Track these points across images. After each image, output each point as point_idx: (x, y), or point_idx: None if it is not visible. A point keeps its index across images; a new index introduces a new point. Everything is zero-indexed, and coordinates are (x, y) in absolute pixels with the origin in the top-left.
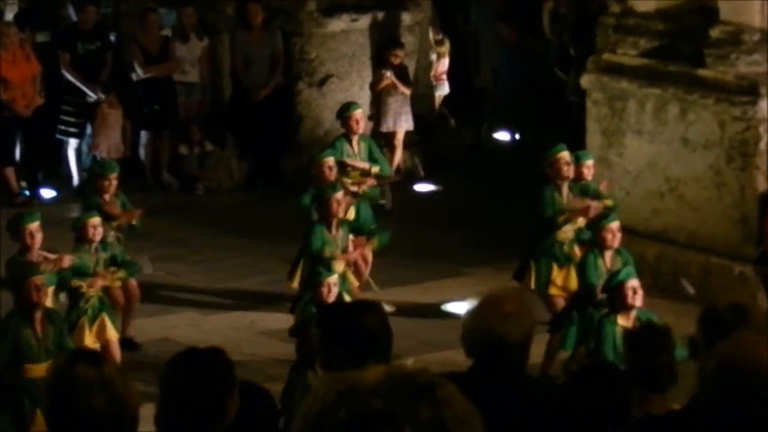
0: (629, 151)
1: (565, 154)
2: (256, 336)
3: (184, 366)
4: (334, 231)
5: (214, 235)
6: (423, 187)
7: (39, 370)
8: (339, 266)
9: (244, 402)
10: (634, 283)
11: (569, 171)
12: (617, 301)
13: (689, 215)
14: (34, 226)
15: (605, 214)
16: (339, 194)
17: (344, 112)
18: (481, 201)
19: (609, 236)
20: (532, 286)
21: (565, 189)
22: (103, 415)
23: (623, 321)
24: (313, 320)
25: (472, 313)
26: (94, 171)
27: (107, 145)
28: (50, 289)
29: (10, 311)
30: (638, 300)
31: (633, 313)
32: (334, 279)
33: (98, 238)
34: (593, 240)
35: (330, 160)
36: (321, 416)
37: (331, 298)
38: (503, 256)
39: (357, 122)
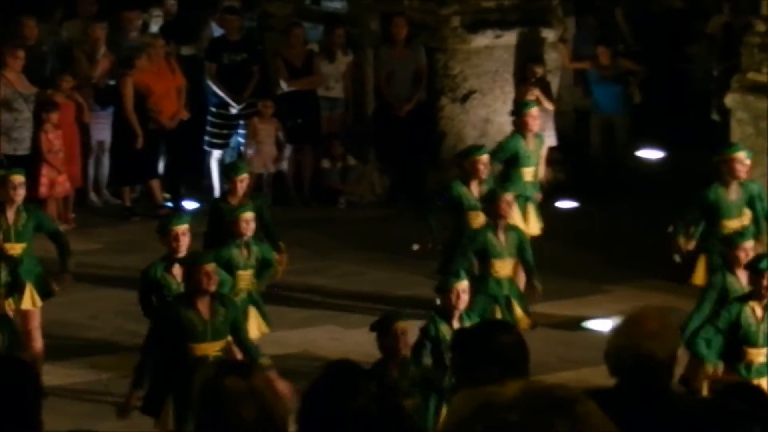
0: None
1: (742, 155)
2: None
3: None
4: (500, 235)
5: (355, 249)
6: (565, 204)
7: (205, 348)
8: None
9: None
10: None
11: (742, 171)
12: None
13: None
14: (182, 228)
15: (741, 233)
16: (509, 195)
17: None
18: (624, 218)
19: (742, 255)
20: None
21: (734, 187)
22: (253, 426)
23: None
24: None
25: (617, 332)
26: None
27: (262, 160)
28: None
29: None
30: None
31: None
32: (463, 285)
33: (250, 233)
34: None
35: (485, 157)
36: (458, 430)
37: (461, 305)
38: (644, 274)
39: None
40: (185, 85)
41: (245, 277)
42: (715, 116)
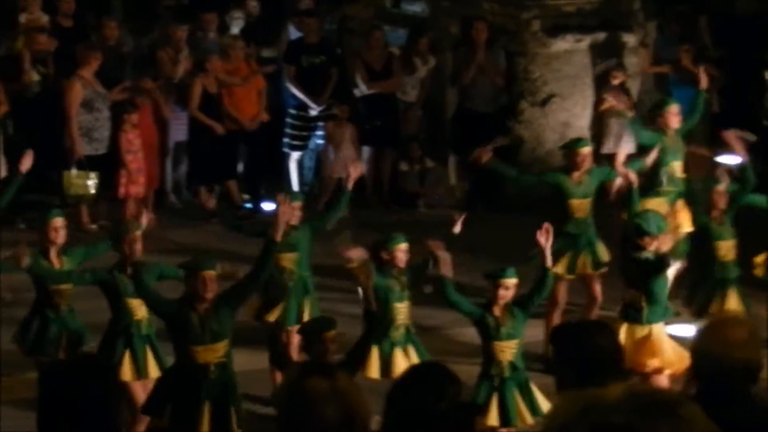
0: None
1: None
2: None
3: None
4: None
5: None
6: None
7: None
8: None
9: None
10: None
11: None
12: None
13: None
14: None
15: None
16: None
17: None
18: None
19: None
20: None
21: None
22: (336, 427)
23: None
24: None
25: (701, 338)
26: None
27: (342, 164)
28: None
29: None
30: None
31: None
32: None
33: (404, 264)
34: None
35: (586, 150)
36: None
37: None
38: None
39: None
40: (265, 86)
41: (402, 310)
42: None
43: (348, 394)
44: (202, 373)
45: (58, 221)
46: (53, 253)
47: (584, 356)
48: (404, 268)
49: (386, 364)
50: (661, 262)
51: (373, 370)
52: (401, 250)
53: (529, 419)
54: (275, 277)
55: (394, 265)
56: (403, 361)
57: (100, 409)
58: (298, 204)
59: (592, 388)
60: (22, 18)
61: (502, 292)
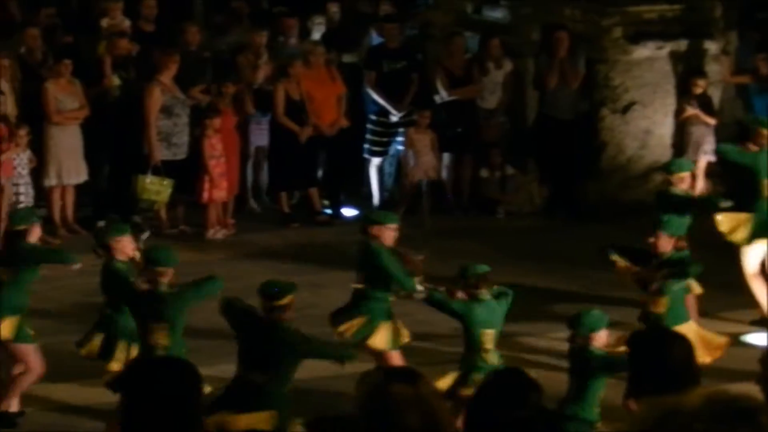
0: None
1: None
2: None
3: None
4: None
5: (512, 259)
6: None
7: None
8: None
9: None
10: None
11: None
12: None
13: None
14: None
15: None
16: None
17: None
18: None
19: None
20: None
21: None
22: None
23: None
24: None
25: None
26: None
27: (422, 170)
28: None
29: None
30: None
31: None
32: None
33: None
34: None
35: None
36: None
37: None
38: None
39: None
40: (345, 92)
41: (491, 336)
42: None
43: (430, 401)
44: None
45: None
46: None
47: (661, 364)
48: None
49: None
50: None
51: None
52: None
53: None
54: None
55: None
56: None
57: (181, 407)
58: (394, 226)
59: (670, 395)
60: (104, 23)
61: None
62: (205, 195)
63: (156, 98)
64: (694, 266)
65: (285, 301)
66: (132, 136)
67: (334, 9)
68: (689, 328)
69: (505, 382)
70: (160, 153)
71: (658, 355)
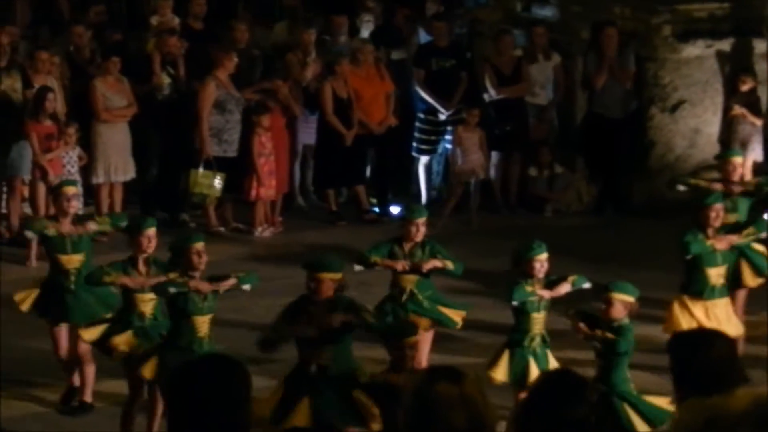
0: None
1: None
2: None
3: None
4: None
5: (560, 258)
6: None
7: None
8: None
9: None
10: None
11: None
12: None
13: None
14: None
15: None
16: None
17: None
18: None
19: None
20: None
21: None
22: None
23: None
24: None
25: None
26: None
27: (470, 168)
28: None
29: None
30: None
31: None
32: None
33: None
34: None
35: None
36: None
37: None
38: None
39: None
40: (394, 90)
41: (539, 320)
42: None
43: (475, 400)
44: None
45: (151, 231)
46: (141, 263)
47: (704, 364)
48: (542, 278)
49: (516, 370)
50: None
51: (501, 372)
52: (539, 261)
53: None
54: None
55: (532, 275)
56: (535, 370)
57: (229, 405)
58: (422, 220)
59: (715, 397)
60: (153, 20)
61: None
62: (253, 193)
63: (210, 93)
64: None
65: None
66: (181, 133)
67: (381, 7)
68: None
69: (561, 381)
70: (212, 148)
71: (700, 356)
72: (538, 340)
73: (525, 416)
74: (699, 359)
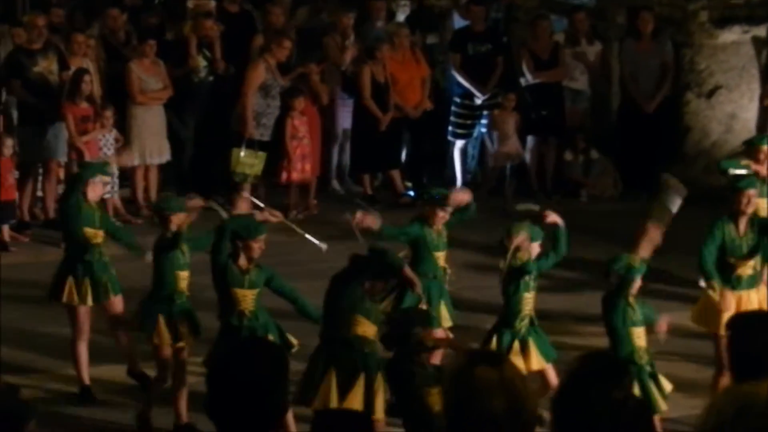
0: None
1: None
2: None
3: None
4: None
5: (595, 243)
6: None
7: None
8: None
9: None
10: None
11: None
12: None
13: None
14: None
15: None
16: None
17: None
18: None
19: None
20: None
21: None
22: (503, 416)
23: None
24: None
25: None
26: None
27: (506, 153)
28: None
29: None
30: None
31: None
32: None
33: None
34: None
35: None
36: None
37: None
38: None
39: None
40: (430, 74)
41: (530, 300)
42: None
43: (515, 384)
44: None
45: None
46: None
47: (757, 348)
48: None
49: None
50: None
51: None
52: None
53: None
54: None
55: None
56: (518, 354)
57: (270, 390)
58: (448, 210)
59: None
60: (190, 3)
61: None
62: (284, 175)
63: (259, 74)
64: None
65: None
66: (217, 116)
67: None
68: None
69: (600, 364)
70: (253, 128)
71: (761, 337)
72: (526, 321)
73: (564, 398)
74: (760, 341)
